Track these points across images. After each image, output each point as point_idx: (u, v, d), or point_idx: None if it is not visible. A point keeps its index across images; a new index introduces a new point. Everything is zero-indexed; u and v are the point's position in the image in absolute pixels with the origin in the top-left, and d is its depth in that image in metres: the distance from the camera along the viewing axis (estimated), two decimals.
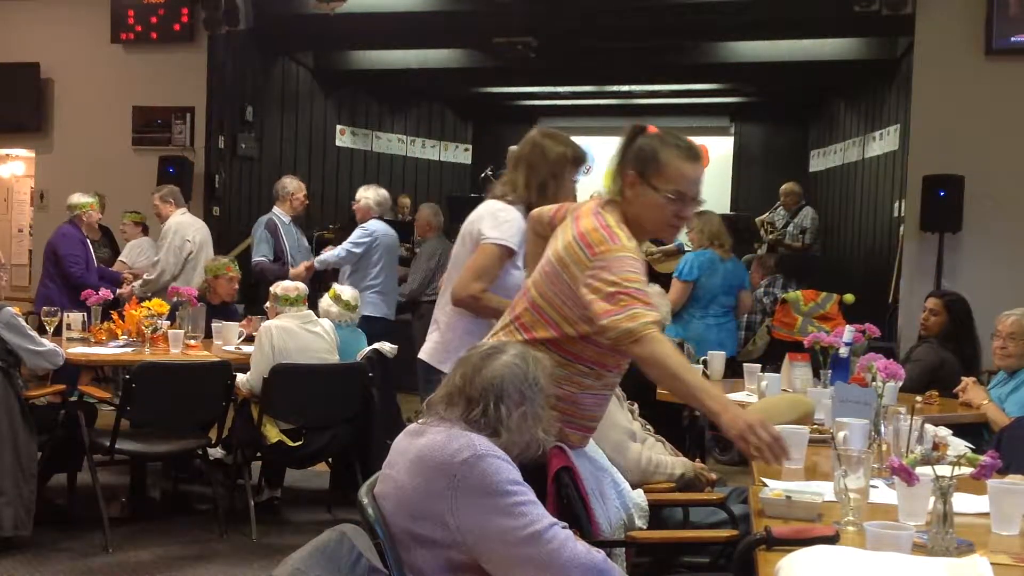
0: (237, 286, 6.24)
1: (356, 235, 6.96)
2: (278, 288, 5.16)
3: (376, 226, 6.98)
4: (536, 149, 3.58)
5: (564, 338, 2.71)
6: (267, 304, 5.26)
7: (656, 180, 2.72)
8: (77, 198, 7.32)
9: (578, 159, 3.67)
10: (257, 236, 7.19)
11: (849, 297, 7.10)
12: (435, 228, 8.05)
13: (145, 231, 8.36)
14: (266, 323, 5.05)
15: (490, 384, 2.23)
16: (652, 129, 2.84)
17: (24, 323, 4.60)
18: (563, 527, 2.15)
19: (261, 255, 7.06)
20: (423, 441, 2.19)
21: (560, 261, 2.71)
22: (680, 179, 2.73)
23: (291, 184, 7.33)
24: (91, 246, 7.42)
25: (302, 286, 5.22)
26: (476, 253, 3.47)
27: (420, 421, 2.28)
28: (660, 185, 2.71)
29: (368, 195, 7.03)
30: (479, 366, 2.26)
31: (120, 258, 8.08)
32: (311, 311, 5.19)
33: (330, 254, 7.06)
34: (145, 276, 7.33)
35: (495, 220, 3.48)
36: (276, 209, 7.24)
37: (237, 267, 6.30)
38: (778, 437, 2.40)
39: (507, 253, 3.45)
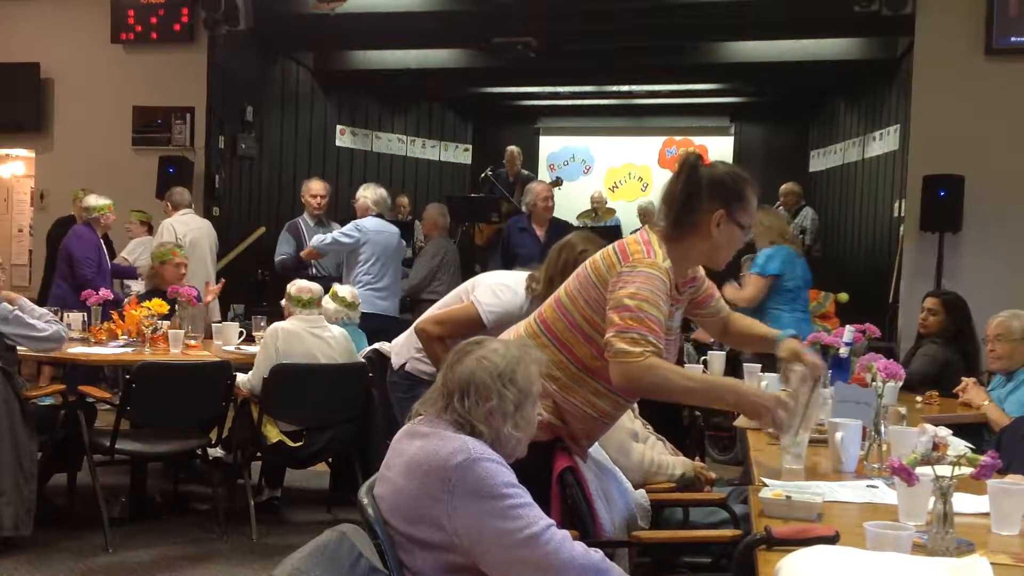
0: (184, 272, 6.22)
1: (347, 227, 7.08)
2: (292, 288, 5.13)
3: (368, 223, 7.03)
4: (557, 248, 3.65)
5: (584, 340, 2.71)
6: (283, 302, 5.24)
7: (741, 216, 2.75)
8: (94, 200, 7.42)
9: None
10: (280, 238, 7.57)
11: (843, 296, 7.08)
12: (441, 228, 8.29)
13: (150, 231, 8.42)
14: (274, 325, 5.02)
15: (459, 379, 2.22)
16: (708, 160, 2.85)
17: (21, 313, 4.58)
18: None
19: (282, 254, 7.38)
20: (418, 444, 2.18)
21: (594, 264, 2.75)
22: (755, 213, 2.82)
23: (303, 187, 7.76)
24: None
25: (316, 288, 5.13)
26: (462, 304, 3.88)
27: (414, 421, 2.28)
28: (744, 221, 2.76)
29: (366, 194, 7.14)
30: (454, 362, 2.26)
31: (122, 254, 8.15)
32: (322, 317, 5.14)
33: (320, 238, 7.16)
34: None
35: (492, 290, 3.81)
36: (305, 213, 7.65)
37: (184, 254, 6.31)
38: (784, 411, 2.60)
39: (478, 320, 3.74)
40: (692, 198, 2.72)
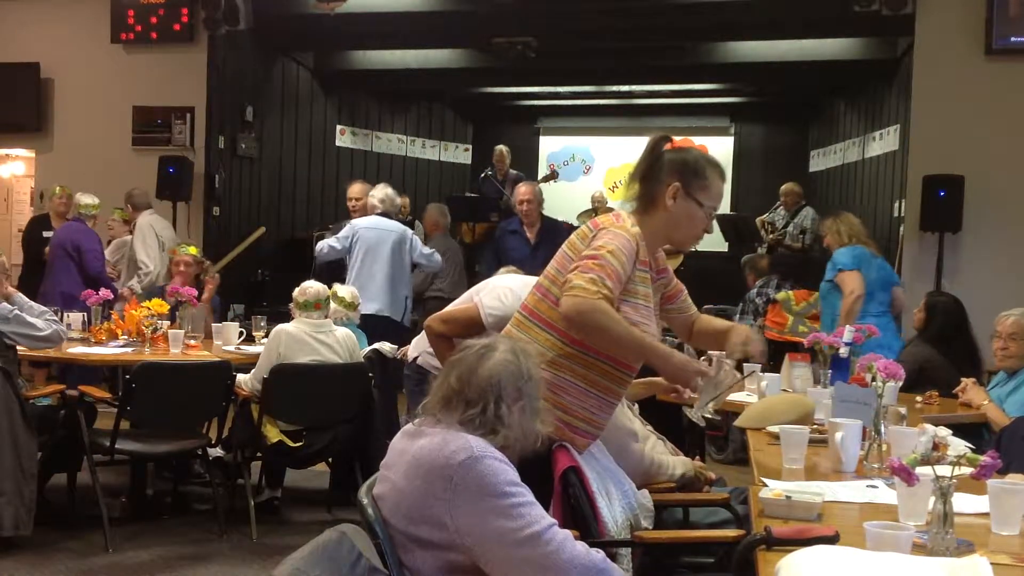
0: (183, 269, 6.18)
1: (343, 230, 7.05)
2: (296, 289, 5.13)
3: (361, 221, 7.00)
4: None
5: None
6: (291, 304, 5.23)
7: (700, 194, 2.88)
8: (90, 199, 7.54)
9: None
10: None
11: None
12: (442, 227, 8.43)
13: (132, 230, 8.46)
14: (279, 327, 5.00)
15: (488, 384, 2.22)
16: (675, 142, 2.98)
17: (21, 312, 4.57)
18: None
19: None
20: (420, 443, 2.18)
21: (570, 242, 2.88)
22: (718, 197, 2.93)
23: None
24: None
25: (313, 290, 5.06)
26: (467, 305, 3.97)
27: (416, 423, 2.27)
28: (703, 200, 2.88)
29: (374, 192, 7.15)
30: (475, 366, 2.25)
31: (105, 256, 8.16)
32: (328, 320, 5.10)
33: (319, 247, 7.11)
34: (141, 273, 7.65)
35: (496, 294, 3.88)
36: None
37: (185, 251, 6.29)
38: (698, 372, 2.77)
39: (478, 321, 3.79)
40: (652, 170, 2.89)
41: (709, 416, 2.94)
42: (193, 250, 6.38)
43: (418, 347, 4.34)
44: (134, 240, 7.87)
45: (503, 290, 3.92)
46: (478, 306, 3.87)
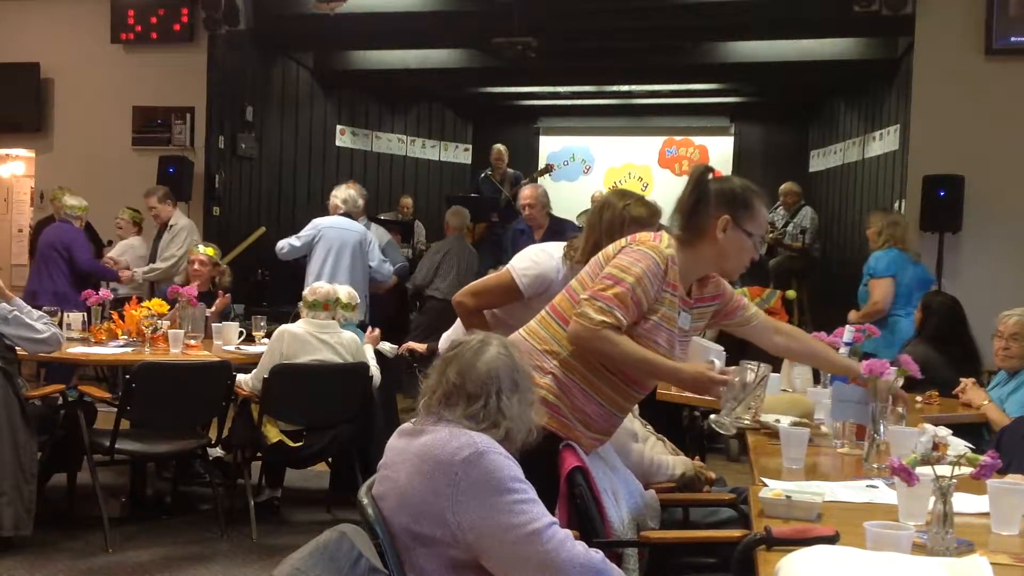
0: (197, 267, 6.19)
1: (305, 228, 7.09)
2: (307, 288, 5.13)
3: (324, 220, 7.05)
4: (596, 209, 3.54)
5: None
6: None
7: (748, 224, 2.88)
8: (75, 200, 7.61)
9: (640, 219, 3.39)
10: None
11: (791, 293, 7.13)
12: (453, 228, 8.57)
13: (140, 231, 8.41)
14: (283, 327, 5.00)
15: (488, 377, 2.25)
16: (718, 173, 2.99)
17: (21, 314, 4.57)
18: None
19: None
20: (422, 440, 2.19)
21: (604, 251, 2.91)
22: (764, 224, 2.95)
23: None
24: None
25: (323, 290, 5.06)
26: (497, 273, 3.76)
27: (414, 421, 2.28)
28: (752, 230, 2.90)
29: (336, 193, 7.20)
30: (472, 361, 2.27)
31: (109, 254, 8.12)
32: (334, 321, 5.09)
33: (279, 245, 7.17)
34: (157, 263, 7.77)
35: (528, 256, 3.66)
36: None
37: (202, 251, 6.28)
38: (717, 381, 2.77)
39: (513, 286, 3.58)
40: (700, 204, 2.87)
41: (735, 423, 2.88)
42: (211, 251, 6.32)
43: (452, 337, 4.22)
44: (170, 236, 7.81)
45: (535, 251, 3.70)
46: (510, 271, 3.64)
